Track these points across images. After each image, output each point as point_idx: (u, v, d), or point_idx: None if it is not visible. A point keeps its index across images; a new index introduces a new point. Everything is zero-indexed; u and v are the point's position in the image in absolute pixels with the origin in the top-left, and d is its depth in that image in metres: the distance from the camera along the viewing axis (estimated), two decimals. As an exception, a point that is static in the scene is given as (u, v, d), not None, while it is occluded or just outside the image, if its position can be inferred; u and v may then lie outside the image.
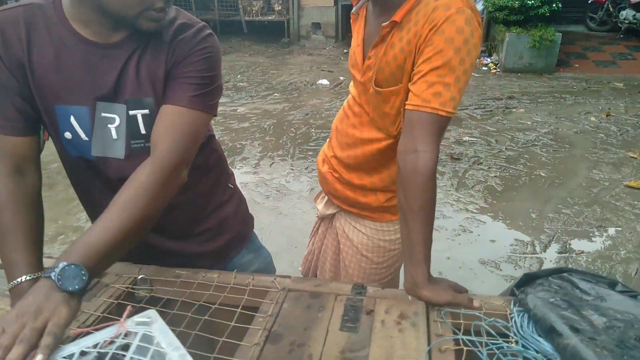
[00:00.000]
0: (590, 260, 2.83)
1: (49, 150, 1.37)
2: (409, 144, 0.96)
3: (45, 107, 0.95)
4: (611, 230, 3.12)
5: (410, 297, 0.96)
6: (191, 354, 0.77)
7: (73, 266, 0.74)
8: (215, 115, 1.04)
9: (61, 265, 0.73)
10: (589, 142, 4.60)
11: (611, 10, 8.71)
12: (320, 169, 1.33)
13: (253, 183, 3.81)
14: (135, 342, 0.61)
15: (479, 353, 0.80)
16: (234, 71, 7.42)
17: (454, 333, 0.85)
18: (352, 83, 1.22)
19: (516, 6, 6.82)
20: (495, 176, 3.89)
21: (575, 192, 3.63)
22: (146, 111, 0.97)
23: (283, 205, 3.48)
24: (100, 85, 0.94)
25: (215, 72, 0.99)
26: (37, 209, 0.94)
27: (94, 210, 1.08)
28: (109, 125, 0.98)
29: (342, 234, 1.31)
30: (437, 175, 3.95)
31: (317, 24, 9.29)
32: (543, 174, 3.93)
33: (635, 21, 8.10)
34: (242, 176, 3.91)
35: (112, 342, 0.62)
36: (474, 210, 3.39)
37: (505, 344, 0.83)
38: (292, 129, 4.98)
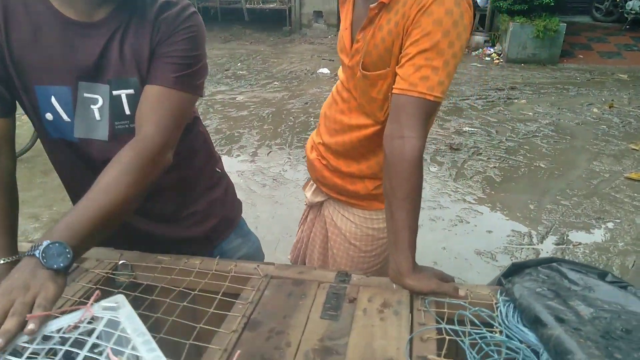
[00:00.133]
0: (587, 252, 2.81)
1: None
2: (395, 129, 0.94)
3: (24, 88, 0.93)
4: (610, 222, 3.10)
5: (395, 286, 0.94)
6: (167, 340, 0.76)
7: (57, 244, 0.73)
8: (202, 96, 1.02)
9: (45, 243, 0.72)
10: (590, 133, 4.56)
11: (617, 0, 8.60)
12: (309, 155, 1.31)
13: (250, 171, 3.79)
14: (99, 327, 0.59)
15: (461, 343, 0.79)
16: (234, 59, 7.37)
17: (438, 322, 0.84)
18: (340, 68, 1.20)
19: (520, -5, 6.75)
20: (494, 167, 3.86)
21: (574, 184, 3.60)
22: (131, 91, 0.95)
23: (279, 194, 3.46)
24: (82, 65, 0.92)
25: (200, 52, 0.97)
26: (10, 192, 0.93)
27: (77, 192, 1.06)
28: (92, 106, 0.96)
29: (330, 222, 1.29)
30: (436, 165, 3.91)
31: (319, 13, 9.21)
32: (543, 165, 3.90)
33: (641, 12, 8.00)
34: (239, 164, 3.89)
35: (76, 327, 0.60)
36: (472, 201, 3.37)
37: (488, 334, 0.81)
38: (291, 118, 4.95)
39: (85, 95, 0.94)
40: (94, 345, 0.58)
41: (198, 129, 1.17)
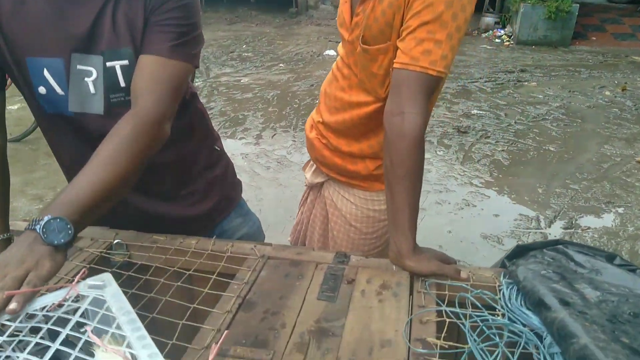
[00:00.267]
0: (596, 236, 2.76)
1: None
2: (396, 105, 0.90)
3: (15, 61, 0.91)
4: (620, 207, 3.04)
5: (394, 268, 0.91)
6: (161, 320, 0.75)
7: (58, 219, 0.71)
8: (197, 67, 0.99)
9: (46, 218, 0.70)
10: (601, 116, 4.46)
11: (633, -20, 8.35)
12: (308, 134, 1.28)
13: (254, 154, 3.76)
14: (84, 306, 0.57)
15: (462, 325, 0.76)
16: (239, 41, 7.28)
17: (438, 305, 0.81)
18: (340, 44, 1.15)
19: (532, -25, 6.58)
20: (502, 150, 3.80)
21: (584, 168, 3.53)
22: (125, 62, 0.93)
23: (283, 176, 3.44)
24: (74, 35, 0.89)
25: (194, 20, 0.95)
26: (1, 170, 0.91)
27: (73, 168, 1.04)
28: (86, 79, 0.93)
29: (330, 203, 1.26)
30: (443, 148, 3.86)
31: (326, -6, 9.05)
32: (552, 149, 3.83)
33: (658, -8, 7.77)
34: (243, 147, 3.87)
35: (60, 305, 0.58)
36: (479, 185, 3.33)
37: (490, 317, 0.78)
38: (296, 100, 4.90)
39: (79, 67, 0.92)
40: (79, 324, 0.56)
41: (196, 106, 1.15)
